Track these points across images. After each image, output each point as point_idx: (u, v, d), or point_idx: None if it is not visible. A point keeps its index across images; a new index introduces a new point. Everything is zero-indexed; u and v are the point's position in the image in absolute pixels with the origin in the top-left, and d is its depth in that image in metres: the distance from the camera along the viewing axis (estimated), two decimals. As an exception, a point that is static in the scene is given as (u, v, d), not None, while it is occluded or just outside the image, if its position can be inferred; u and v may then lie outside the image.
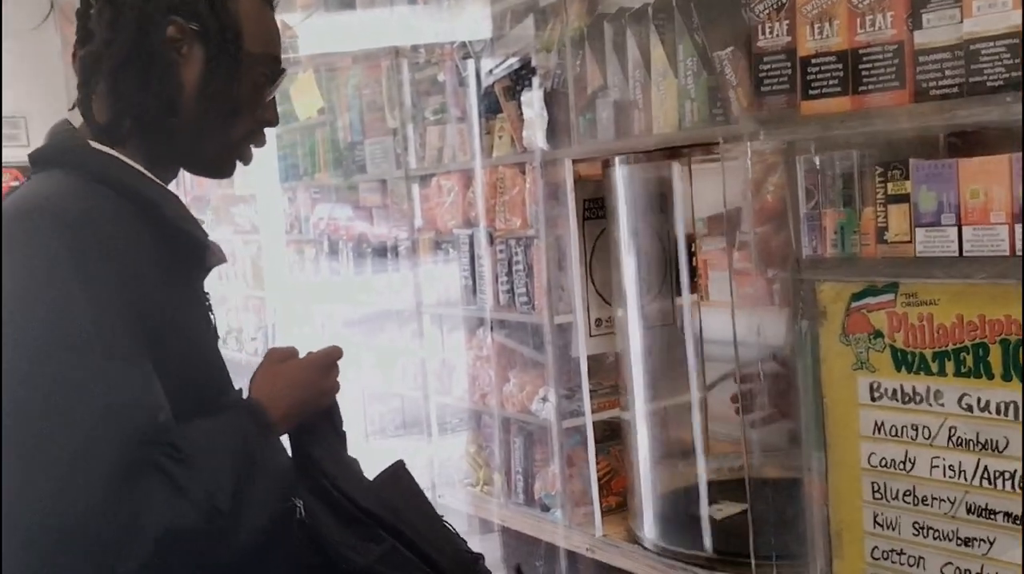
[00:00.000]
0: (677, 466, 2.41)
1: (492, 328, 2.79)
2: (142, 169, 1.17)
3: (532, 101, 2.44)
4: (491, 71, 2.70)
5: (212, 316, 1.27)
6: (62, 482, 0.96)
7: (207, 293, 1.27)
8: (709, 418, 2.43)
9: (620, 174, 2.27)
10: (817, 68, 1.72)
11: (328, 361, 1.31)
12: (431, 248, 2.97)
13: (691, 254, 2.32)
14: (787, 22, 1.77)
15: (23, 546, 0.97)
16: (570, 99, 2.33)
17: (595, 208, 2.46)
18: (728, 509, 2.27)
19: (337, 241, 3.44)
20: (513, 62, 2.62)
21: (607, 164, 2.30)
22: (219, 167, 1.25)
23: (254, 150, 1.26)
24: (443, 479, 3.01)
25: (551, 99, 2.41)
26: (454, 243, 2.85)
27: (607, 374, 2.53)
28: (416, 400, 3.14)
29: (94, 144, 1.15)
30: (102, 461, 0.97)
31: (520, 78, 2.56)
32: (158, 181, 1.18)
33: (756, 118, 1.91)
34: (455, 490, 2.97)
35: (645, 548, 2.30)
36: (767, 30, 1.81)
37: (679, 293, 2.39)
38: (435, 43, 2.87)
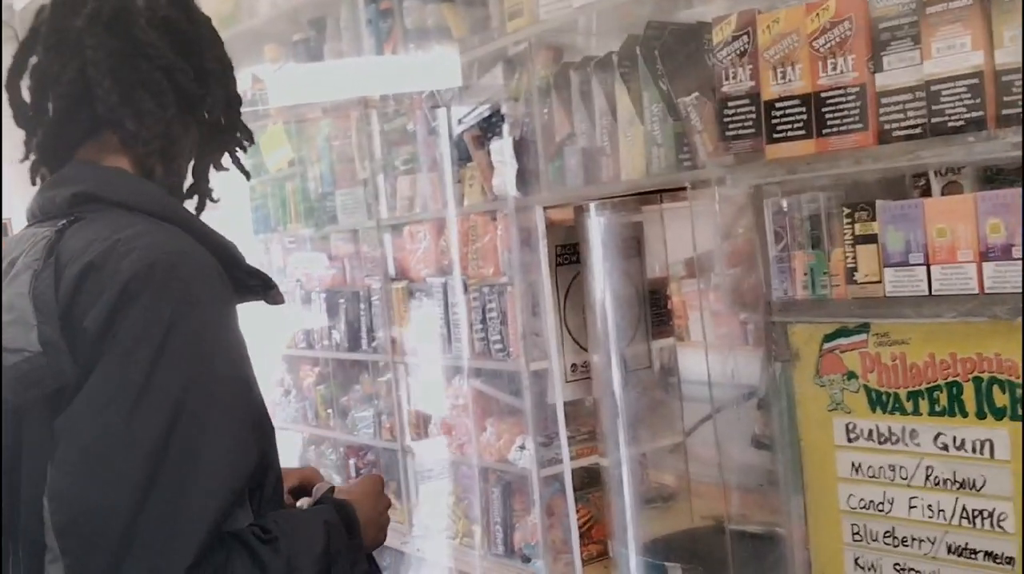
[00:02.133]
0: (660, 511, 2.39)
1: (468, 376, 2.78)
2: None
3: (502, 149, 2.45)
4: (461, 120, 2.71)
5: None
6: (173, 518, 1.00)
7: None
8: (689, 460, 2.42)
9: (593, 220, 2.28)
10: (781, 112, 1.73)
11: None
12: (405, 297, 2.95)
13: (666, 297, 2.32)
14: (750, 67, 1.79)
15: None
16: (539, 147, 2.34)
17: (567, 254, 2.45)
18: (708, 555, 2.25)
19: (310, 291, 3.43)
20: (483, 110, 2.63)
21: (580, 210, 2.31)
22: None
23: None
24: (421, 531, 2.97)
25: (520, 147, 2.42)
26: (427, 291, 2.84)
27: (584, 420, 2.52)
28: (391, 452, 3.11)
29: (151, 184, 1.22)
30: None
31: (490, 127, 2.58)
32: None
33: (722, 163, 1.92)
34: (435, 542, 2.93)
35: (627, 597, 2.27)
36: (731, 75, 1.82)
37: (655, 336, 2.38)
38: (404, 93, 2.88)
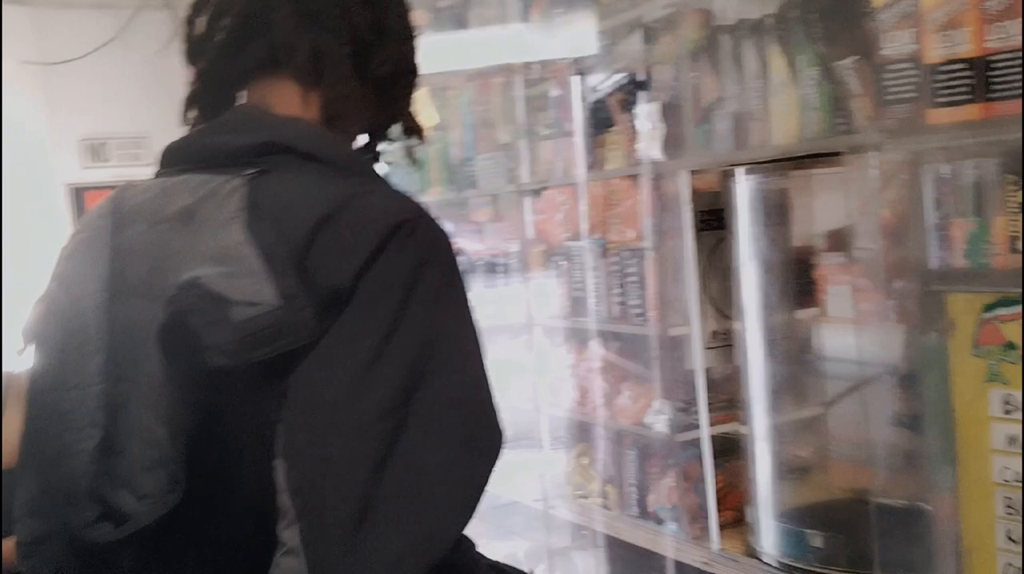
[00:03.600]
0: (797, 481, 2.38)
1: (605, 340, 2.80)
2: None
3: (647, 113, 2.45)
4: (600, 85, 2.72)
5: None
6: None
7: None
8: (828, 437, 2.40)
9: (741, 185, 2.26)
10: (945, 76, 1.69)
11: None
12: (542, 261, 2.99)
13: (811, 266, 2.30)
14: (913, 30, 1.75)
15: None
16: (686, 111, 2.33)
17: (710, 219, 2.45)
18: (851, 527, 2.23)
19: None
20: (622, 76, 2.64)
21: (726, 175, 2.29)
22: (418, 133, 1.28)
23: None
24: (554, 491, 3.03)
25: (667, 111, 2.41)
26: (566, 255, 2.87)
27: (722, 388, 2.52)
28: (527, 412, 3.16)
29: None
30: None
31: (634, 91, 2.58)
32: None
33: (881, 128, 1.89)
34: (567, 502, 2.98)
35: (764, 562, 2.28)
36: (892, 38, 1.79)
37: (798, 306, 2.36)
38: (547, 59, 2.90)
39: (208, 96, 1.19)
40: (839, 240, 2.20)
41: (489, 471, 0.98)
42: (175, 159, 1.13)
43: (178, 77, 4.45)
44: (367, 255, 0.95)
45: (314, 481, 0.92)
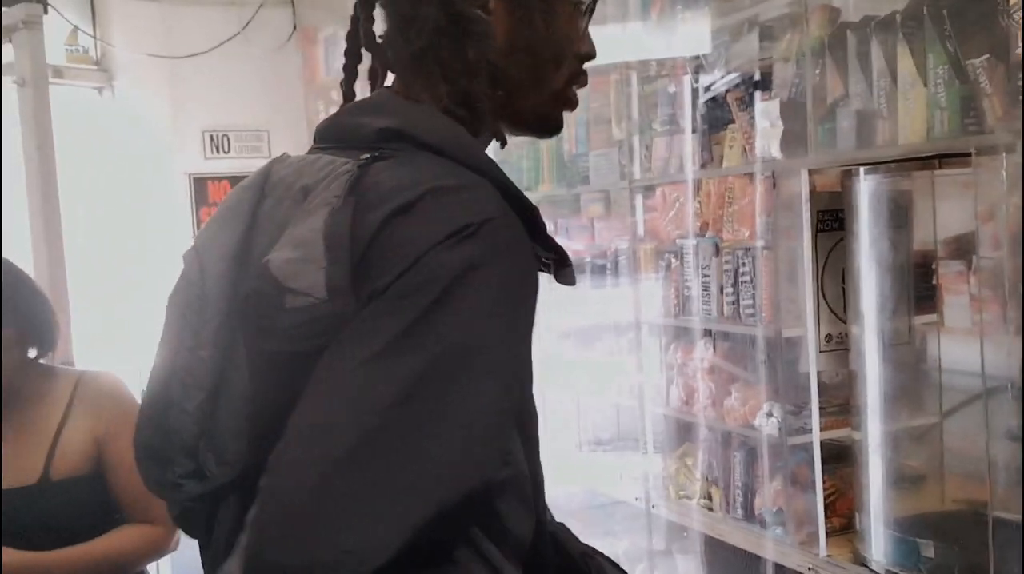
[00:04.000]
0: (910, 491, 2.33)
1: (715, 340, 2.78)
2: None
3: (767, 111, 2.43)
4: (716, 83, 2.70)
5: None
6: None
7: None
8: (944, 449, 2.34)
9: (863, 185, 2.22)
10: (1085, 75, 1.63)
11: None
12: (653, 258, 2.98)
13: (932, 271, 2.24)
14: (1052, 27, 1.70)
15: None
16: (808, 108, 2.30)
17: (828, 220, 2.40)
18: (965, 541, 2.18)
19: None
20: (740, 72, 2.61)
21: (848, 175, 2.25)
22: (551, 122, 1.16)
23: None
24: (656, 491, 3.01)
25: (787, 109, 2.38)
26: (677, 253, 2.86)
27: (834, 392, 2.47)
28: (632, 410, 3.15)
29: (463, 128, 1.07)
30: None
31: (753, 87, 2.55)
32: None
33: (1012, 129, 1.83)
34: (670, 502, 2.96)
35: (873, 570, 2.23)
36: (1029, 36, 1.74)
37: (916, 312, 2.31)
38: (665, 57, 2.89)
39: (372, 77, 1.18)
40: (961, 247, 2.15)
41: (428, 513, 0.86)
42: (320, 137, 1.13)
43: (296, 72, 4.58)
44: (419, 252, 0.90)
45: (279, 465, 0.87)
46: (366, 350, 0.88)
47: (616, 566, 1.22)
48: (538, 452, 1.08)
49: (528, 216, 0.99)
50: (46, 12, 3.76)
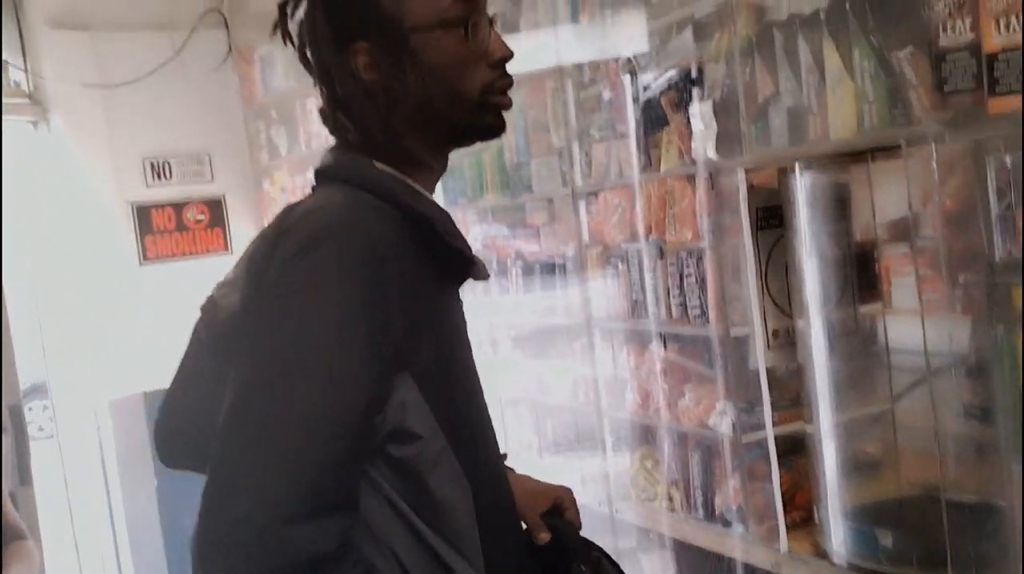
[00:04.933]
0: (866, 478, 2.35)
1: (665, 341, 2.78)
2: (416, 185, 1.22)
3: (701, 112, 2.43)
4: (648, 86, 2.71)
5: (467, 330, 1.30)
6: (269, 476, 1.03)
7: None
8: (897, 429, 2.36)
9: (799, 181, 2.24)
10: (1005, 64, 1.66)
11: None
12: (599, 264, 2.98)
13: (874, 261, 2.26)
14: (970, 18, 1.72)
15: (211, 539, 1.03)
16: (741, 108, 2.31)
17: (768, 217, 2.42)
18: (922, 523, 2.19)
19: (505, 260, 3.50)
20: (673, 74, 2.62)
21: (784, 172, 2.27)
22: (482, 129, 1.24)
23: None
24: (618, 493, 3.01)
25: (720, 109, 2.39)
26: (623, 258, 2.86)
27: (786, 386, 2.49)
28: (589, 415, 3.15)
29: (371, 160, 1.21)
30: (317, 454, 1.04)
31: (686, 89, 2.56)
32: (428, 195, 1.24)
33: (940, 119, 1.85)
34: (631, 504, 2.97)
35: (834, 563, 2.24)
36: (949, 27, 1.76)
37: (861, 301, 2.32)
38: (598, 60, 2.89)
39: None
40: (902, 230, 2.17)
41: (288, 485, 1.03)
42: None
43: (234, 94, 4.54)
44: (274, 268, 1.10)
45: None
46: (238, 357, 1.09)
47: (613, 562, 1.34)
48: (478, 432, 1.22)
49: (425, 223, 1.17)
50: (-27, 49, 3.71)
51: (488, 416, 1.28)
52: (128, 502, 4.54)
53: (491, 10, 1.25)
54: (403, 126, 1.21)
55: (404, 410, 1.11)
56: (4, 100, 4.36)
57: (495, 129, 1.25)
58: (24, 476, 2.66)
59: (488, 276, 1.26)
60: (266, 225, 1.21)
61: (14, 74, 4.44)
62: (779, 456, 2.41)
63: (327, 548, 1.03)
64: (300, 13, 1.24)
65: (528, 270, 3.38)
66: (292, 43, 1.25)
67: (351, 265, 1.08)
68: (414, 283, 1.12)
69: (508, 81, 1.24)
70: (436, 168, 1.26)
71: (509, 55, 1.24)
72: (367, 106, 1.20)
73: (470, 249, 1.22)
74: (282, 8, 1.24)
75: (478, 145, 1.31)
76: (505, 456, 1.33)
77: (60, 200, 4.51)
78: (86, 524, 4.61)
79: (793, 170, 2.24)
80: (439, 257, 1.18)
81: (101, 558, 4.60)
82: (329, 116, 1.24)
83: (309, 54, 1.23)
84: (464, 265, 1.21)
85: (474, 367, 1.26)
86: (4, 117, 4.35)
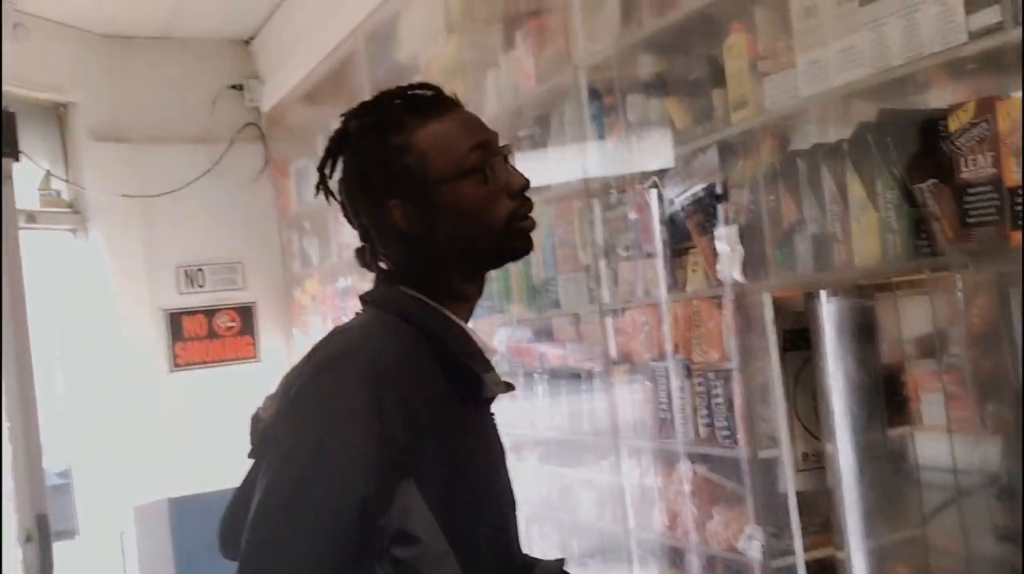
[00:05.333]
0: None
1: (693, 462, 2.77)
2: (442, 308, 1.34)
3: (727, 235, 2.47)
4: (676, 200, 2.75)
5: (500, 443, 1.43)
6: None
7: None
8: (930, 551, 2.32)
9: (824, 307, 2.25)
10: (1027, 197, 1.68)
11: None
12: (626, 381, 2.99)
13: (902, 383, 2.25)
14: (991, 154, 1.75)
15: None
16: (765, 232, 2.34)
17: (796, 339, 2.42)
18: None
19: (532, 372, 3.51)
20: (698, 190, 2.66)
21: (810, 296, 2.28)
22: (512, 251, 1.38)
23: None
24: (646, 616, 2.96)
25: (746, 233, 2.43)
26: (650, 375, 2.87)
27: (815, 510, 2.45)
28: (615, 535, 3.11)
29: (403, 288, 1.35)
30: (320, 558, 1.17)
31: (711, 209, 2.60)
32: (451, 317, 1.35)
33: (964, 250, 1.87)
34: (660, 627, 2.91)
35: None
36: (970, 162, 1.79)
37: (890, 424, 2.31)
38: (624, 179, 2.94)
39: None
40: (929, 346, 2.17)
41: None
42: None
43: (269, 204, 4.67)
44: (301, 383, 1.27)
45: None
46: (267, 466, 1.24)
47: None
48: (491, 539, 1.31)
49: (439, 343, 1.29)
50: (17, 160, 3.83)
51: (514, 525, 1.39)
52: (149, 610, 4.50)
53: (521, 132, 1.40)
54: (439, 262, 1.34)
55: (406, 515, 1.20)
56: (46, 210, 4.49)
57: (524, 250, 1.38)
58: (46, 586, 2.65)
59: (504, 389, 1.38)
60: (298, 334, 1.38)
61: (55, 184, 4.57)
62: (809, 582, 2.37)
63: None
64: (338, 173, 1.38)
65: (555, 383, 3.38)
66: (334, 198, 1.40)
67: (354, 383, 1.21)
68: (423, 395, 1.24)
69: (529, 206, 1.38)
70: (472, 293, 1.39)
71: (527, 183, 1.37)
72: (405, 250, 1.35)
73: (485, 367, 1.33)
74: (321, 170, 1.39)
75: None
76: (563, 561, 1.45)
77: (95, 305, 4.60)
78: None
79: (819, 295, 2.25)
80: (455, 373, 1.29)
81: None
82: (368, 259, 1.40)
83: (346, 202, 1.40)
84: (472, 381, 1.31)
85: (497, 476, 1.38)
86: (45, 227, 4.48)
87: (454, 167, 1.32)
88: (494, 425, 1.42)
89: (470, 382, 1.30)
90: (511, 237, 1.35)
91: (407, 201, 1.32)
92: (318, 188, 1.41)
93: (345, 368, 1.23)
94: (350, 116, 1.38)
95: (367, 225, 1.37)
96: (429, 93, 1.37)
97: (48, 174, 4.52)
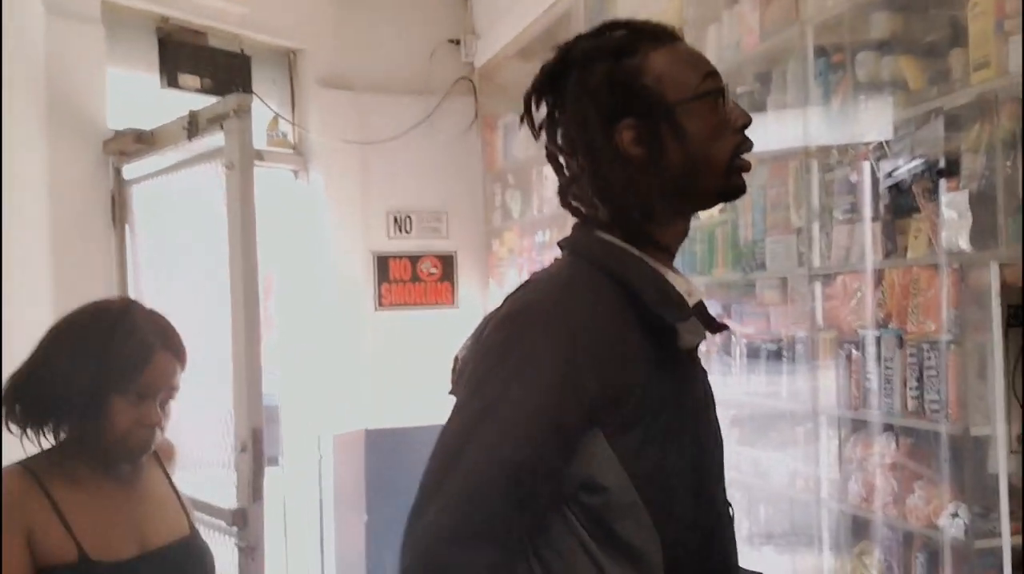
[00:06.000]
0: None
1: (897, 436, 2.68)
2: (636, 252, 1.32)
3: (955, 202, 2.37)
4: (899, 170, 2.65)
5: (706, 390, 1.41)
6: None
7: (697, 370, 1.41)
8: None
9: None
10: None
11: None
12: (832, 348, 2.92)
13: None
14: None
15: None
16: (999, 200, 2.24)
17: (1020, 315, 2.31)
18: None
19: (730, 338, 3.48)
20: (923, 162, 2.56)
21: (1041, 269, 2.17)
22: (729, 190, 1.36)
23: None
24: (832, 588, 2.91)
25: (976, 200, 2.32)
26: (858, 344, 2.79)
27: (1026, 495, 2.34)
28: (806, 505, 3.06)
29: (599, 233, 1.33)
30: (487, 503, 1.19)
31: (938, 178, 2.50)
32: (650, 262, 1.33)
33: None
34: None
35: None
36: None
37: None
38: (847, 143, 2.87)
39: None
40: None
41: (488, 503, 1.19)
42: None
43: (476, 158, 4.79)
44: (487, 332, 1.29)
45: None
46: (456, 400, 1.27)
47: None
48: (686, 490, 1.29)
49: (632, 292, 1.27)
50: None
51: (715, 481, 1.38)
52: (339, 533, 4.74)
53: (740, 88, 1.38)
54: (660, 194, 1.32)
55: (592, 463, 1.21)
56: (272, 149, 4.76)
57: (740, 189, 1.36)
58: (256, 493, 2.83)
59: (701, 337, 1.35)
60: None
61: (282, 125, 4.83)
62: (1013, 568, 2.27)
63: None
64: (544, 106, 1.36)
65: (753, 352, 3.34)
66: (535, 132, 1.38)
67: (541, 336, 1.22)
68: (616, 351, 1.23)
69: (751, 143, 1.35)
70: (673, 240, 1.38)
71: (750, 120, 1.35)
72: (623, 181, 1.31)
73: (680, 314, 1.30)
74: (527, 101, 1.37)
75: (711, 220, 1.42)
76: None
77: (311, 244, 4.86)
78: (299, 548, 4.85)
79: (1053, 268, 2.14)
80: (651, 324, 1.27)
81: (310, 582, 4.81)
82: (572, 193, 1.36)
83: (570, 134, 1.35)
84: (667, 332, 1.28)
85: (700, 429, 1.35)
86: (270, 165, 4.75)
87: (692, 88, 1.31)
88: (701, 374, 1.41)
89: (666, 333, 1.28)
90: (731, 173, 1.33)
91: (640, 123, 1.30)
92: (522, 119, 1.39)
93: (535, 319, 1.24)
94: (569, 46, 1.36)
95: (583, 155, 1.33)
96: (652, 24, 1.36)
97: (276, 116, 4.78)
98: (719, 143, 1.31)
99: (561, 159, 1.37)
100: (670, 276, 1.34)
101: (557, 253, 1.39)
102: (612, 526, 1.23)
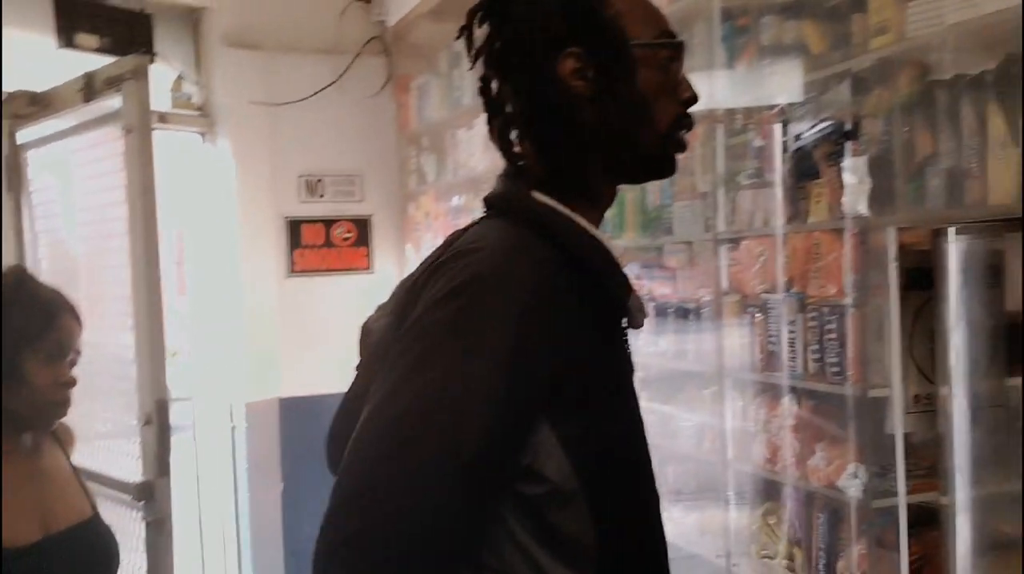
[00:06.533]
0: (1000, 559, 2.24)
1: (799, 397, 2.73)
2: (579, 218, 1.19)
3: (855, 167, 2.40)
4: (805, 134, 2.68)
5: (631, 364, 1.30)
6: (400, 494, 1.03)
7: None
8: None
9: (952, 245, 2.17)
10: None
11: None
12: (737, 311, 2.95)
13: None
14: None
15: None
16: (896, 165, 2.27)
17: (918, 277, 2.35)
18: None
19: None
20: (828, 126, 2.59)
21: (937, 234, 2.21)
22: (663, 165, 1.26)
23: None
24: (738, 549, 2.96)
25: (875, 165, 2.35)
26: (762, 307, 2.83)
27: (922, 454, 2.40)
28: (713, 466, 3.11)
29: (536, 194, 1.20)
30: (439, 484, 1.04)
31: (841, 142, 2.53)
32: (591, 230, 1.21)
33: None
34: (750, 561, 2.91)
35: (961, 644, 2.15)
36: None
37: (1010, 372, 2.24)
38: (751, 107, 2.88)
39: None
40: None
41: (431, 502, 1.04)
42: None
43: (389, 120, 4.70)
44: (422, 309, 1.11)
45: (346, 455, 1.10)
46: (382, 381, 1.09)
47: None
48: (629, 475, 1.21)
49: (578, 261, 1.16)
50: (152, 62, 3.94)
51: (647, 459, 1.27)
52: (254, 502, 4.70)
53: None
54: (591, 145, 1.20)
55: (536, 452, 1.10)
56: (176, 111, 4.62)
57: (671, 167, 1.27)
58: (163, 467, 2.78)
59: (639, 325, 1.26)
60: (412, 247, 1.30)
61: (187, 86, 4.69)
62: (910, 526, 2.33)
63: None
64: (484, 27, 1.24)
65: (661, 312, 3.36)
66: (471, 57, 1.25)
67: (496, 314, 1.08)
68: (565, 328, 1.11)
69: (691, 121, 1.27)
70: (605, 201, 1.27)
71: (696, 99, 1.26)
72: (560, 118, 1.19)
73: (629, 290, 1.22)
74: (470, 17, 1.24)
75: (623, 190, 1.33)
76: None
77: (219, 208, 4.75)
78: (212, 519, 4.79)
79: (946, 233, 2.18)
80: (596, 297, 1.17)
81: (223, 553, 4.77)
82: (506, 135, 1.24)
83: (509, 59, 1.22)
84: (615, 308, 1.21)
85: (633, 410, 1.26)
86: (175, 128, 4.62)
87: (654, 29, 1.22)
88: (629, 353, 1.29)
89: (612, 308, 1.20)
90: (667, 146, 1.23)
91: (587, 53, 1.18)
92: (462, 31, 1.25)
93: (486, 293, 1.09)
94: None
95: (519, 83, 1.21)
96: None
97: (180, 77, 4.64)
98: (663, 103, 1.22)
99: (493, 90, 1.24)
100: (607, 243, 1.23)
101: (473, 217, 1.26)
102: (547, 517, 1.13)
